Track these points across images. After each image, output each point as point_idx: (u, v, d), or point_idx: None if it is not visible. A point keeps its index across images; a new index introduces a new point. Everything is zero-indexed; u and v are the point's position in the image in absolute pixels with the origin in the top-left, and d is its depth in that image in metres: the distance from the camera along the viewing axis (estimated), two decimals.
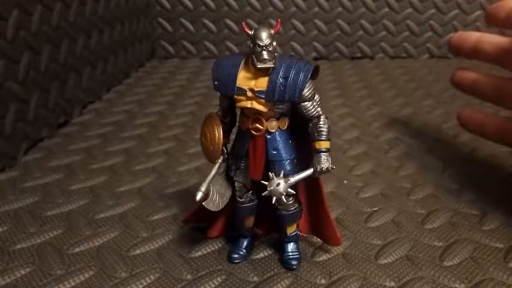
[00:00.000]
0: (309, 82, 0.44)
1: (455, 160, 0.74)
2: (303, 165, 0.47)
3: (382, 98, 1.01)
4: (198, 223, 0.56)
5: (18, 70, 0.71)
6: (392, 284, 0.48)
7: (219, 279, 0.49)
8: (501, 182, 0.67)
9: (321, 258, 0.52)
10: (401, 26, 1.28)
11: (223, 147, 0.48)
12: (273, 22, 1.23)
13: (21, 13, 0.72)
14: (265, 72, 0.44)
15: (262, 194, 0.46)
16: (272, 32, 0.43)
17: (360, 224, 0.58)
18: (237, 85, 0.44)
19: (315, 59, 1.28)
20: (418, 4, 1.26)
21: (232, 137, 0.50)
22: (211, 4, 1.26)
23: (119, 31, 1.07)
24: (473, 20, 1.26)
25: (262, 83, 0.44)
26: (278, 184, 0.45)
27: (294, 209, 0.49)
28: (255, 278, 0.49)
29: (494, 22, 0.62)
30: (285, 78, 0.44)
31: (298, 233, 0.52)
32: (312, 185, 0.50)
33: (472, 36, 0.66)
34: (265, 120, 0.46)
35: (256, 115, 0.45)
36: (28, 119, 0.74)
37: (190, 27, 1.28)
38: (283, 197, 0.46)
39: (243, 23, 0.46)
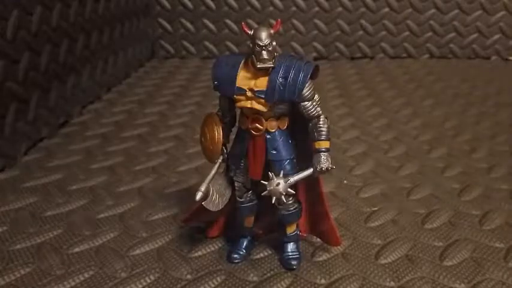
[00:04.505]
0: (309, 82, 0.44)
1: (455, 160, 0.74)
2: (302, 165, 0.47)
3: (382, 98, 1.01)
4: (198, 223, 0.56)
5: (18, 70, 0.72)
6: (392, 284, 0.48)
7: (218, 279, 0.49)
8: (500, 181, 0.67)
9: (320, 258, 0.52)
10: (401, 26, 1.27)
11: (223, 147, 0.48)
12: (273, 22, 1.23)
13: (21, 13, 0.72)
14: (265, 72, 0.44)
15: (262, 194, 0.46)
16: (272, 31, 0.43)
17: (360, 224, 0.58)
18: (237, 85, 0.44)
19: (315, 59, 1.28)
20: (418, 4, 1.26)
21: (232, 136, 0.50)
22: (211, 4, 1.26)
23: (119, 31, 1.07)
24: (473, 20, 1.26)
25: (261, 83, 0.44)
26: (278, 184, 0.45)
27: (294, 209, 0.49)
28: (255, 278, 0.49)
29: None
30: (285, 78, 0.44)
31: (298, 233, 0.51)
32: (311, 185, 0.50)
33: None
34: (265, 120, 0.46)
35: (256, 115, 0.45)
36: (28, 119, 0.74)
37: (191, 27, 1.28)
38: (283, 196, 0.45)
39: (243, 23, 0.46)
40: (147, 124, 0.87)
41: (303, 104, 0.45)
